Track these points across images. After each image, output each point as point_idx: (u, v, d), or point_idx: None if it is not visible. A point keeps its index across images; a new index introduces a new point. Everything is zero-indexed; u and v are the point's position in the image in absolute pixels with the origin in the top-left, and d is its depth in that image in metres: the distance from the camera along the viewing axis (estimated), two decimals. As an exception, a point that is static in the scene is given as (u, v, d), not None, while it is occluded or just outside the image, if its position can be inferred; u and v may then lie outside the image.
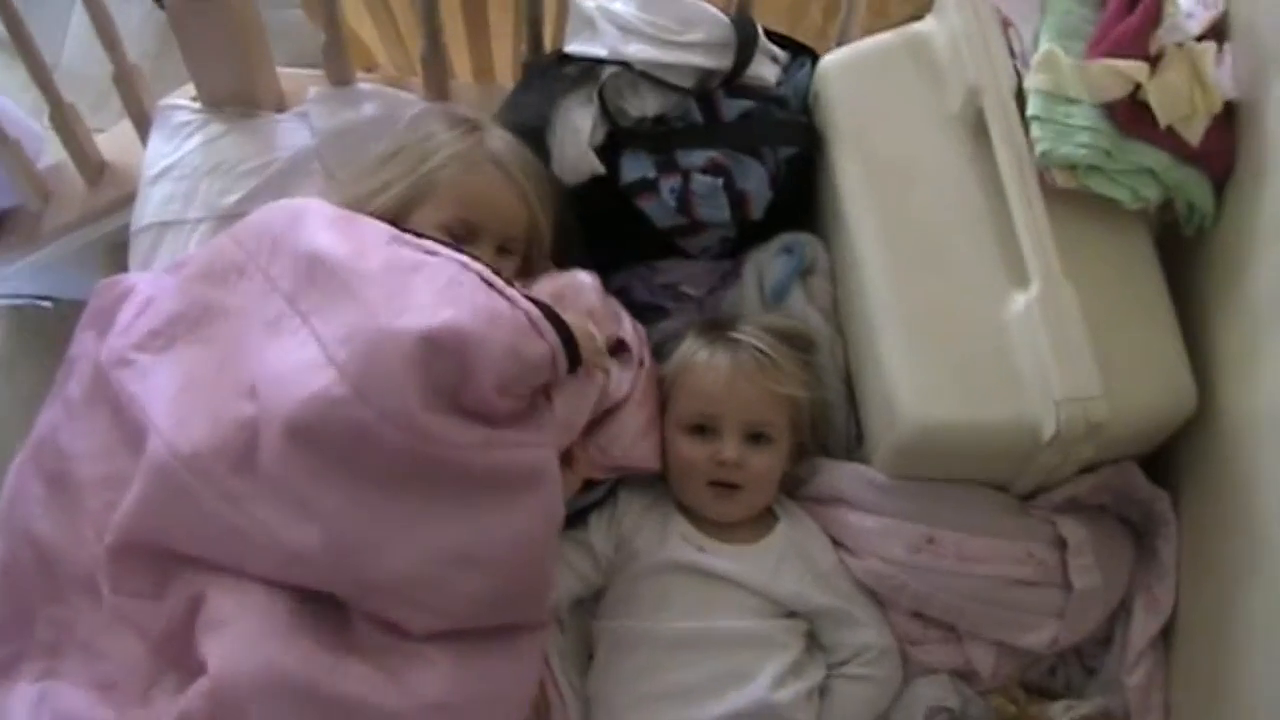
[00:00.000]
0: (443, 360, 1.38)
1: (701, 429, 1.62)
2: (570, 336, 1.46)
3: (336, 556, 1.40)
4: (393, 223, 1.59)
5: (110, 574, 1.45)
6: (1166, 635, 1.59)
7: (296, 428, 1.39)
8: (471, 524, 1.41)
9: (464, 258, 1.49)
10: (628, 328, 1.66)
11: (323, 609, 1.43)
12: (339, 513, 1.40)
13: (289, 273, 1.52)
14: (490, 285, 1.45)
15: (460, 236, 1.62)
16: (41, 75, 2.08)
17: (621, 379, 1.62)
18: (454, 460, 1.40)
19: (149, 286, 1.65)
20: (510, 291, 1.45)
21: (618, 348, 1.64)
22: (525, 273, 1.68)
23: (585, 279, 1.65)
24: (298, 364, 1.42)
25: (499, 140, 1.71)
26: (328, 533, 1.40)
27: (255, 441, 1.42)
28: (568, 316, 1.49)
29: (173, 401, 1.48)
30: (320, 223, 1.55)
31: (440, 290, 1.43)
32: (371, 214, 1.61)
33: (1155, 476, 1.61)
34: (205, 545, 1.44)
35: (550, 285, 1.62)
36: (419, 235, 1.55)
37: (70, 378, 1.62)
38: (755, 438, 1.61)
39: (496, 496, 1.42)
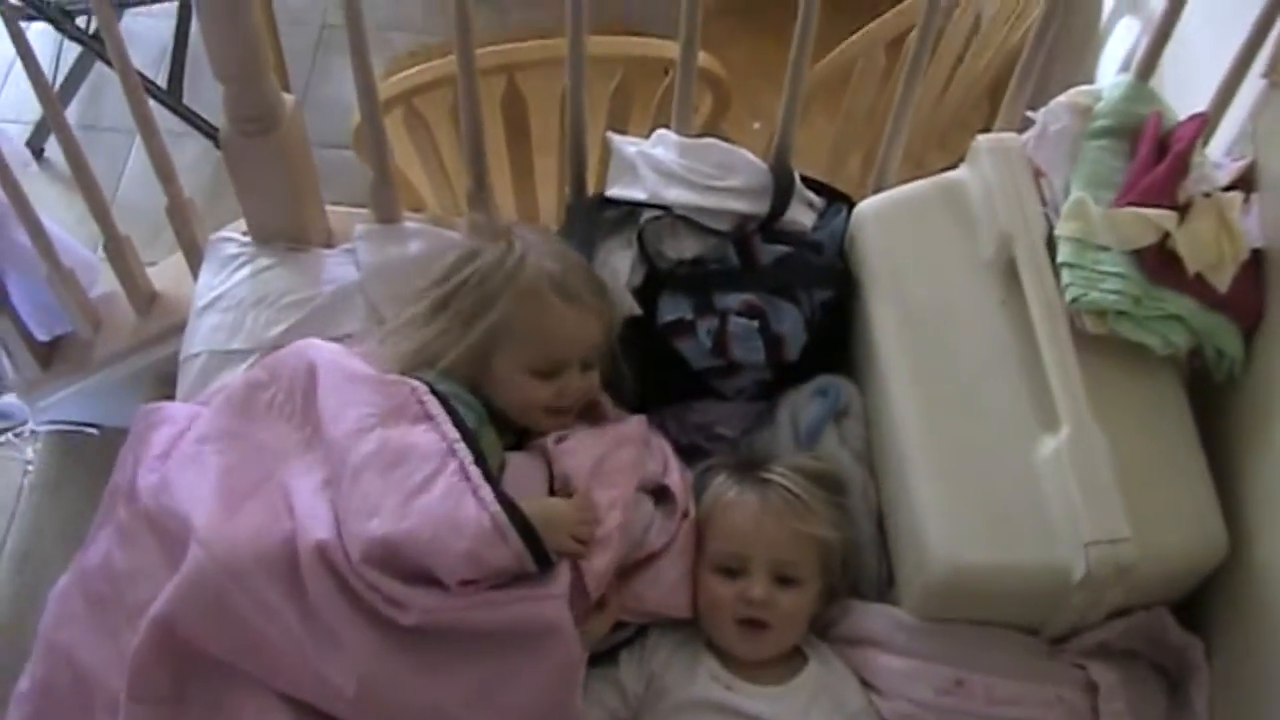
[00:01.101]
0: (402, 560, 1.43)
1: (730, 570, 1.62)
2: (536, 539, 1.46)
3: (361, 689, 1.42)
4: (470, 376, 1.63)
5: (131, 679, 1.47)
6: (1199, 784, 1.57)
7: (318, 564, 1.43)
8: (490, 672, 1.44)
9: (452, 442, 1.50)
10: (675, 477, 1.66)
11: None
12: (366, 648, 1.43)
13: (303, 421, 1.61)
14: (467, 478, 1.47)
15: (546, 373, 1.64)
16: (99, 208, 2.13)
17: (662, 529, 1.62)
18: (458, 619, 1.44)
19: (185, 413, 1.69)
20: (483, 492, 1.46)
21: (660, 494, 1.65)
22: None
23: (632, 430, 1.67)
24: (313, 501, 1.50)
25: (547, 258, 1.67)
26: (357, 665, 1.42)
27: (296, 560, 1.45)
28: (542, 511, 1.50)
29: (212, 505, 1.52)
30: (328, 386, 1.60)
31: (412, 491, 1.46)
32: (444, 368, 1.63)
33: (1188, 623, 1.60)
34: (233, 651, 1.46)
35: (594, 446, 1.63)
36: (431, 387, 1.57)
37: (116, 504, 1.65)
38: (784, 579, 1.61)
39: (511, 646, 1.45)
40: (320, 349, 1.68)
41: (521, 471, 1.60)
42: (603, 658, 1.62)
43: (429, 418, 1.53)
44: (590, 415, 1.72)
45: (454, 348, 1.63)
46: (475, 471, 1.47)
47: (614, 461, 1.61)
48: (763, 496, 1.63)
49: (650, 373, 1.80)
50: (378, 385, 1.58)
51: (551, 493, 1.59)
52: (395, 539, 1.42)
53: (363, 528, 1.44)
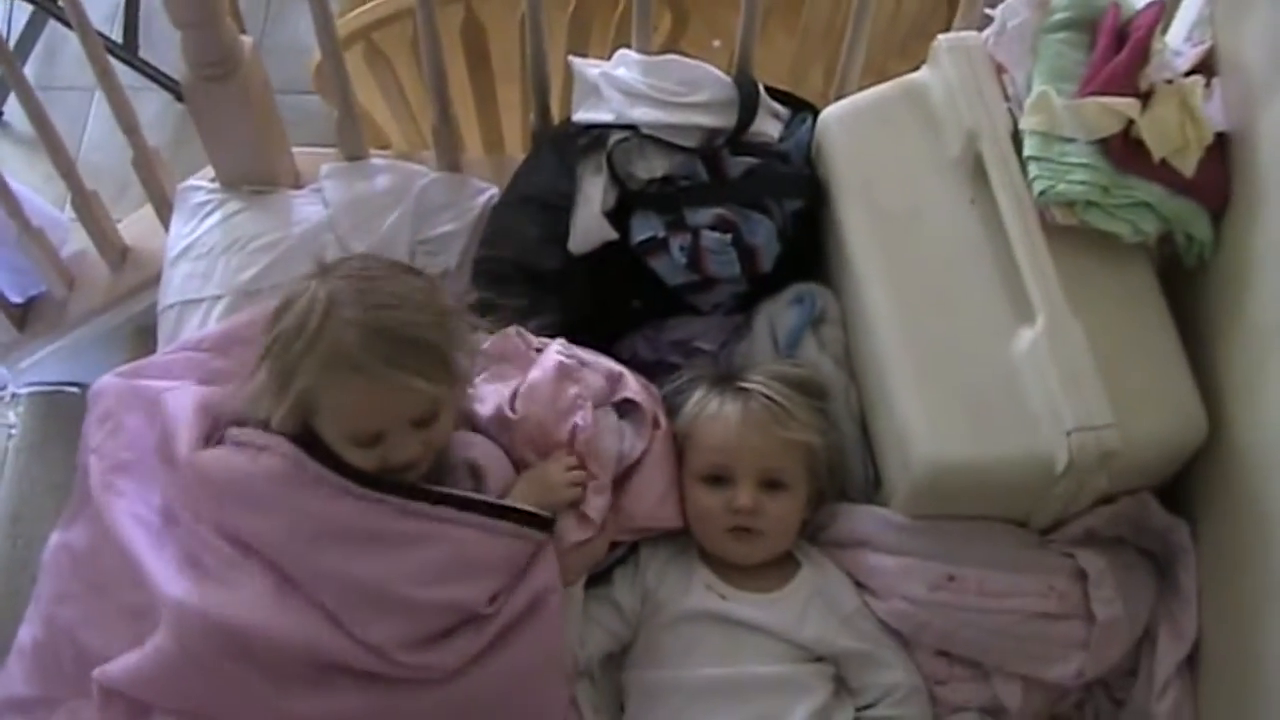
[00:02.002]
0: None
1: (717, 479, 1.63)
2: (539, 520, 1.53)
3: None
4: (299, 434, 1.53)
5: (100, 707, 1.50)
6: (1192, 663, 1.59)
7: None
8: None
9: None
10: (634, 386, 1.67)
11: None
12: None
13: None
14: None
15: (365, 442, 1.48)
16: (64, 163, 2.12)
17: (636, 440, 1.64)
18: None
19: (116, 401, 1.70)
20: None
21: (626, 406, 1.67)
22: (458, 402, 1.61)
23: (542, 371, 1.64)
24: None
25: (351, 318, 1.44)
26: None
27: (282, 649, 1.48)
28: (533, 486, 1.57)
29: (172, 574, 1.51)
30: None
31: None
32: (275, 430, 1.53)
33: (1172, 506, 1.63)
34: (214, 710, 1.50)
35: (493, 401, 1.65)
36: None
37: (87, 487, 1.66)
38: (771, 485, 1.62)
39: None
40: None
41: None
42: (598, 579, 1.64)
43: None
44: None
45: (277, 409, 1.49)
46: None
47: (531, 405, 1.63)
48: (744, 406, 1.63)
49: (625, 294, 1.81)
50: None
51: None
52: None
53: (383, 629, 1.45)
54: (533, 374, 1.64)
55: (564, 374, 1.63)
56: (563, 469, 1.57)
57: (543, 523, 1.52)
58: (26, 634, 1.63)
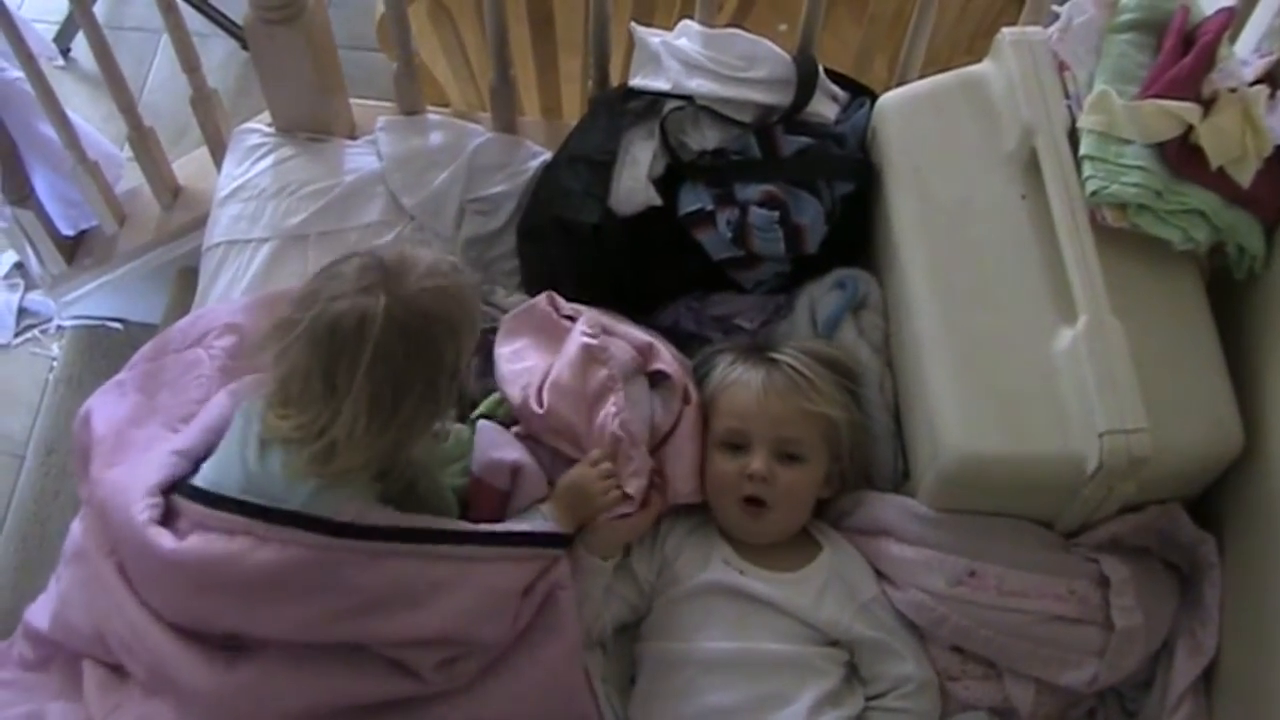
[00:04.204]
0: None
1: (735, 446, 1.63)
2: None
3: None
4: None
5: None
6: (1208, 679, 1.57)
7: None
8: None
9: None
10: (666, 357, 1.67)
11: None
12: None
13: None
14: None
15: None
16: (124, 99, 2.14)
17: (665, 413, 1.64)
18: None
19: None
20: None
21: (657, 377, 1.67)
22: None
23: (567, 361, 1.64)
24: None
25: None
26: None
27: None
28: (569, 494, 1.56)
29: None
30: None
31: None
32: None
33: (1201, 520, 1.61)
34: None
35: (519, 387, 1.64)
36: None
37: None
38: (788, 456, 1.62)
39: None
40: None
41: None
42: (614, 549, 1.64)
43: None
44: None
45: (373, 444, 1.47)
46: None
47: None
48: (768, 374, 1.63)
49: (669, 264, 1.80)
50: None
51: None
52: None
53: (415, 655, 1.45)
54: (558, 366, 1.64)
55: (590, 358, 1.62)
56: (599, 476, 1.57)
57: (566, 539, 1.53)
58: (53, 585, 1.64)
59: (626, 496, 1.57)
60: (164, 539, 1.43)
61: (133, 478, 1.50)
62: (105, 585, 1.49)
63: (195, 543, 1.42)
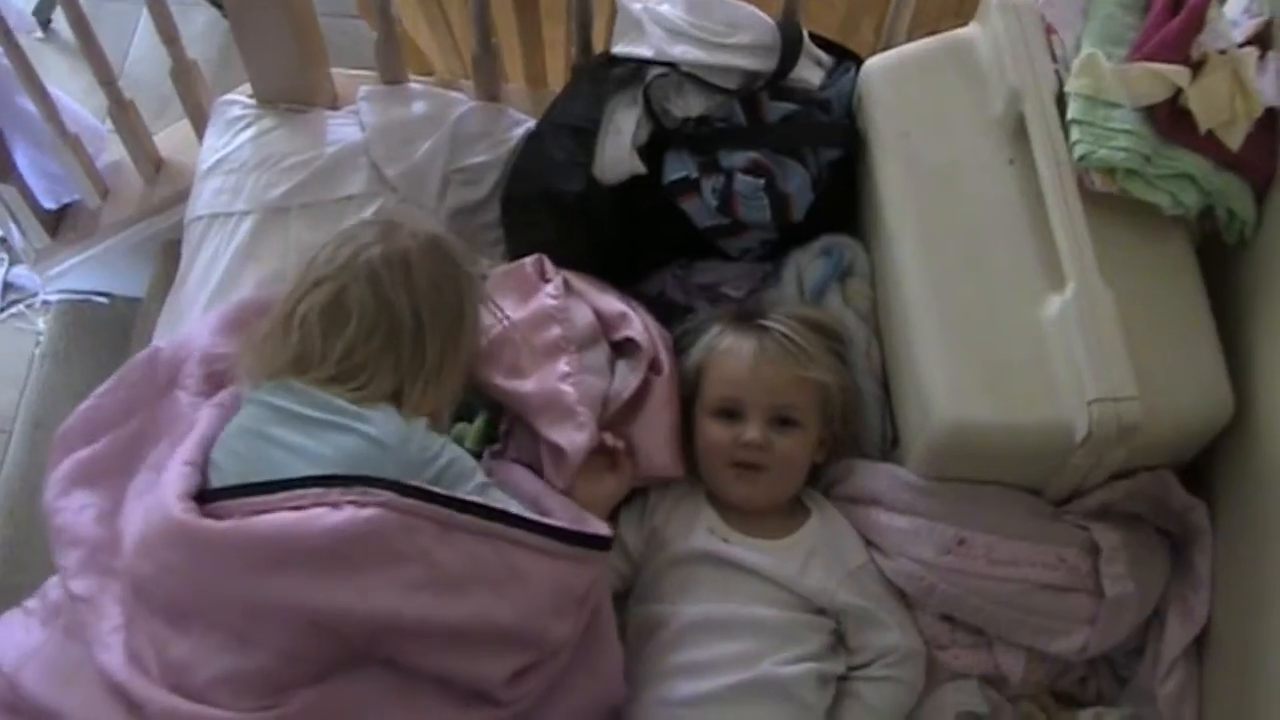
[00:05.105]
0: None
1: (728, 413, 1.62)
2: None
3: None
4: None
5: None
6: (1199, 646, 1.57)
7: None
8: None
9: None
10: (637, 326, 1.67)
11: None
12: None
13: None
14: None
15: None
16: (104, 72, 2.12)
17: (629, 377, 1.64)
18: None
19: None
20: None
21: (629, 346, 1.66)
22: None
23: (530, 308, 1.66)
24: None
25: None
26: None
27: None
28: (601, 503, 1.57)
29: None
30: None
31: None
32: None
33: (1192, 486, 1.60)
34: None
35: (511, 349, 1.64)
36: None
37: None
38: (782, 422, 1.61)
39: None
40: None
41: None
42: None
43: None
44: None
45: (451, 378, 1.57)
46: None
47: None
48: (759, 341, 1.63)
49: (654, 233, 1.79)
50: None
51: None
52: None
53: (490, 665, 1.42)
54: (516, 316, 1.65)
55: (546, 316, 1.64)
56: (614, 483, 1.59)
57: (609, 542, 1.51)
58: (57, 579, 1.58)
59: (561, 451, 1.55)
60: (216, 524, 1.38)
61: (156, 498, 1.44)
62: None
63: (258, 520, 1.37)
